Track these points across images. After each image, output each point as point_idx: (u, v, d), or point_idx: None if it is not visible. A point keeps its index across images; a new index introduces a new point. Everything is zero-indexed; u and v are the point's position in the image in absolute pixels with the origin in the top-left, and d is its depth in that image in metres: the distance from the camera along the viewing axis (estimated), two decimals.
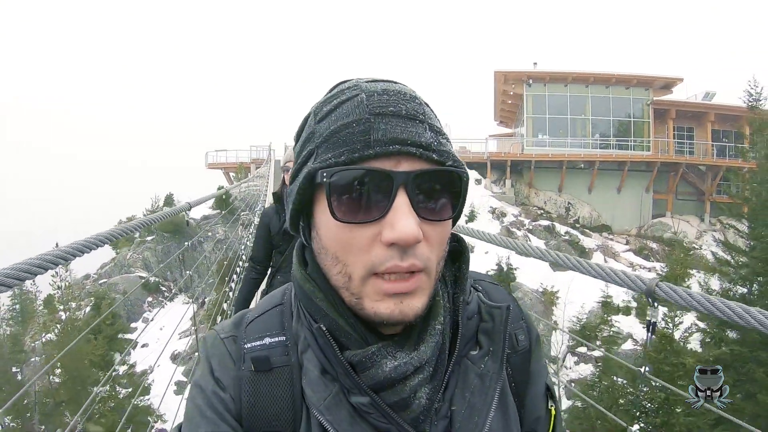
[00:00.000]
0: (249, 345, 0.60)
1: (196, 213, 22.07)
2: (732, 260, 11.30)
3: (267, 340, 0.60)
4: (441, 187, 0.53)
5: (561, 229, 22.53)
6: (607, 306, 15.84)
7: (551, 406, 0.68)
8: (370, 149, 0.50)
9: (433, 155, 0.52)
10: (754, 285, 10.36)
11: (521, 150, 25.96)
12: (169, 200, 24.50)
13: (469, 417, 0.58)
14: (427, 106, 0.57)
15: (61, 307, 15.04)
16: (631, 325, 15.81)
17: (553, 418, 0.68)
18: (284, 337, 0.60)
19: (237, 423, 0.57)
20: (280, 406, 0.57)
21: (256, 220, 11.72)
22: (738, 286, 10.76)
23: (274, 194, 3.07)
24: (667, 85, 25.81)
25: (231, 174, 31.25)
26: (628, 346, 15.06)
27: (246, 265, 6.97)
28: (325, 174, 0.51)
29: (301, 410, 0.57)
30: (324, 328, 0.56)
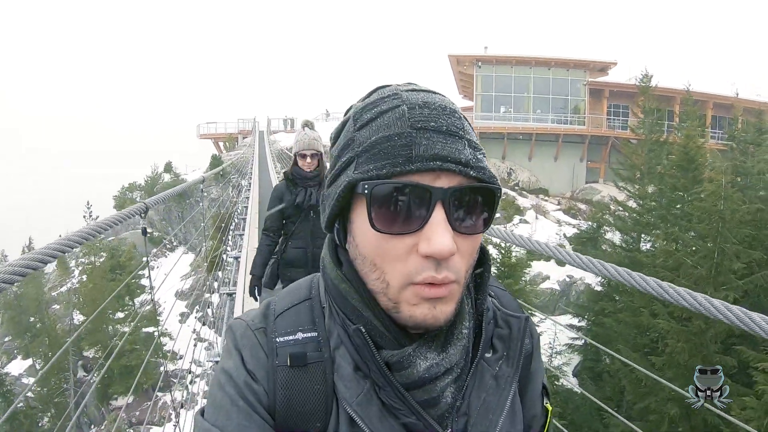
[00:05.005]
0: (281, 339, 0.58)
1: (193, 177, 23.74)
2: (627, 214, 13.48)
3: (300, 335, 0.58)
4: (476, 202, 0.52)
5: None
6: (530, 253, 18.45)
7: (546, 403, 0.69)
8: (411, 164, 0.50)
9: (471, 172, 0.51)
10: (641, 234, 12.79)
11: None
12: (168, 167, 26.13)
13: (485, 415, 0.58)
14: (466, 120, 0.56)
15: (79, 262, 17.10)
16: (549, 269, 18.62)
17: (547, 414, 0.69)
18: (316, 333, 0.58)
19: (269, 416, 0.55)
20: (314, 402, 0.56)
21: (244, 182, 13.68)
22: (627, 235, 13.19)
23: (284, 173, 3.17)
24: (603, 68, 28.28)
25: (220, 143, 32.84)
26: (546, 285, 18.01)
27: (236, 226, 8.72)
28: (366, 186, 0.51)
29: (332, 405, 0.56)
30: (363, 330, 0.55)
